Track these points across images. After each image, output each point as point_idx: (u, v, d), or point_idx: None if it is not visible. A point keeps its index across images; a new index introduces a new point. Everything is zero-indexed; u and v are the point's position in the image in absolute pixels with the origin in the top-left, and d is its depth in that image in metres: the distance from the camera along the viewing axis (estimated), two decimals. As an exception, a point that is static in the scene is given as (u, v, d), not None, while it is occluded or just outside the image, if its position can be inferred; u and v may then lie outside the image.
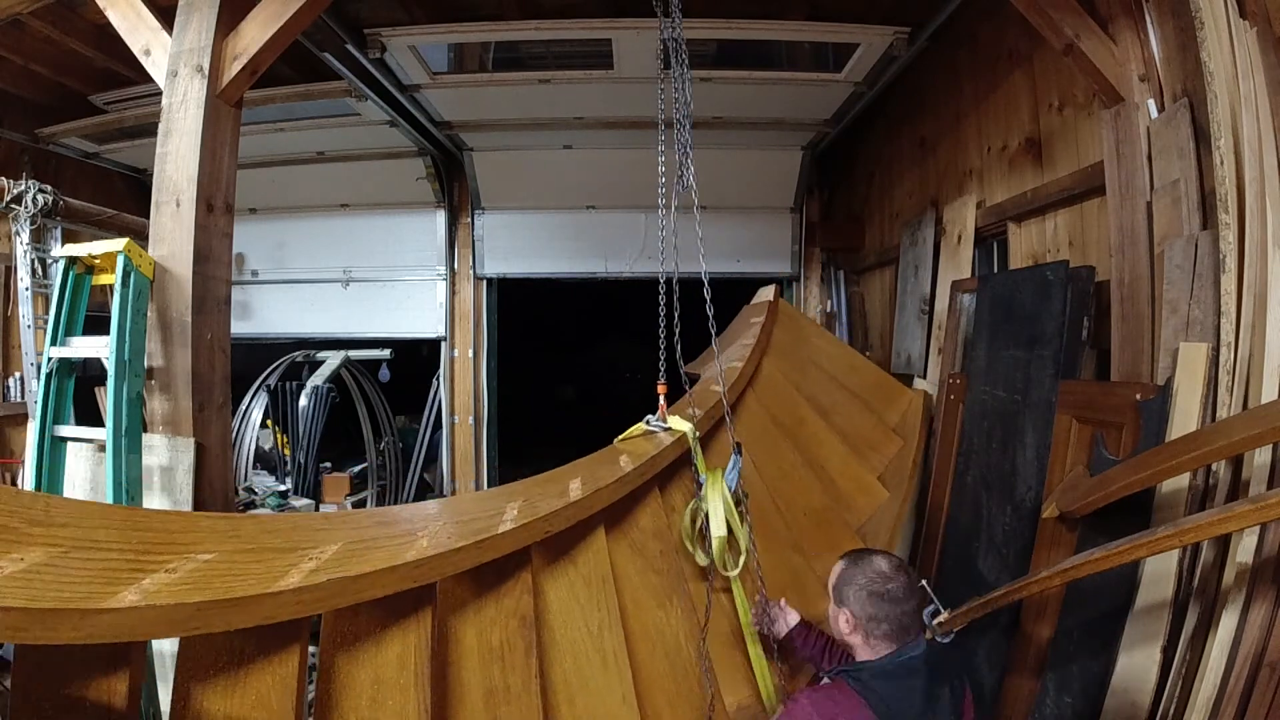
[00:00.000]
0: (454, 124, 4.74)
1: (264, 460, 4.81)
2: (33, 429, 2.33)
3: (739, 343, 3.02)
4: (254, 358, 5.06)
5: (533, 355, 12.00)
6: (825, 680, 1.63)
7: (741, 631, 1.96)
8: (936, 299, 3.91)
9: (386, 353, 5.63)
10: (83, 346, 2.30)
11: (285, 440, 4.62)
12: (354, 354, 5.41)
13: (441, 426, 5.87)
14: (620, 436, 2.23)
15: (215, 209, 2.43)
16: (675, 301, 2.08)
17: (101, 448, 2.22)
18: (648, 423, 2.17)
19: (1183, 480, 1.92)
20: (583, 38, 3.58)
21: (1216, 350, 1.95)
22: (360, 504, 5.48)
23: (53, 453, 2.31)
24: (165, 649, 2.21)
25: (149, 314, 2.29)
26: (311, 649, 1.17)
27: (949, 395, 3.27)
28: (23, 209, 3.83)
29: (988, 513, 2.82)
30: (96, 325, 2.33)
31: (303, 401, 4.57)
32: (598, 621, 1.62)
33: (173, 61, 2.42)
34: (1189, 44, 2.14)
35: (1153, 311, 2.29)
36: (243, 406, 4.73)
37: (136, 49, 2.52)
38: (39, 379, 2.73)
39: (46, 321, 2.39)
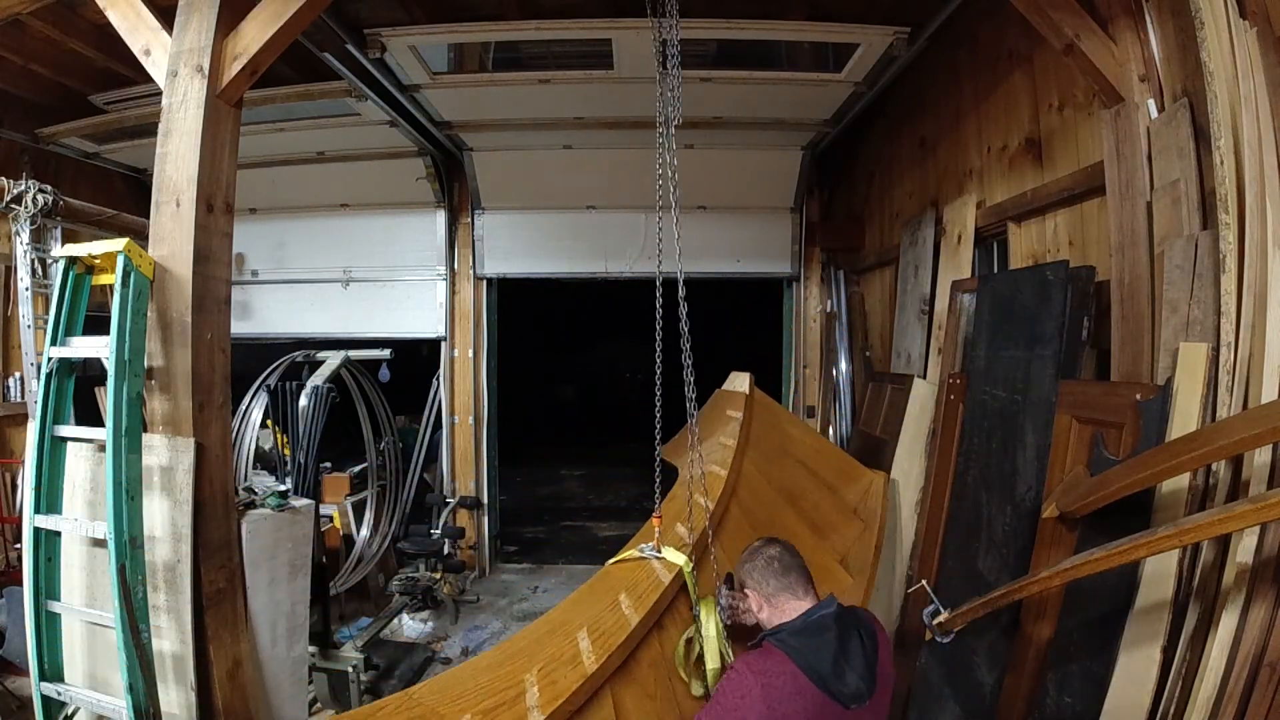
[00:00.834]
0: (454, 124, 4.74)
1: (264, 460, 4.81)
2: (33, 429, 2.33)
3: (717, 440, 3.02)
4: (254, 358, 5.06)
5: (533, 355, 12.01)
6: (750, 645, 1.82)
7: None
8: (936, 299, 3.91)
9: (386, 353, 5.62)
10: (83, 346, 2.30)
11: (285, 440, 4.62)
12: (354, 354, 5.40)
13: (441, 426, 5.87)
14: (613, 559, 2.27)
15: (215, 209, 2.43)
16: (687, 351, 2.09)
17: (101, 448, 2.22)
18: (642, 551, 2.22)
19: (1183, 480, 1.92)
20: (583, 38, 3.58)
21: (1216, 350, 1.95)
22: (360, 504, 5.49)
23: (53, 453, 2.30)
24: (165, 648, 2.21)
25: (149, 314, 2.29)
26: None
27: (949, 395, 3.27)
28: (23, 209, 3.83)
29: (988, 513, 2.82)
30: (96, 325, 2.33)
31: (303, 401, 4.55)
32: None
33: (173, 61, 2.42)
34: (1189, 44, 2.14)
35: (1153, 311, 2.29)
36: (243, 406, 4.72)
37: (136, 49, 2.51)
38: (39, 379, 2.73)
39: (46, 321, 2.38)
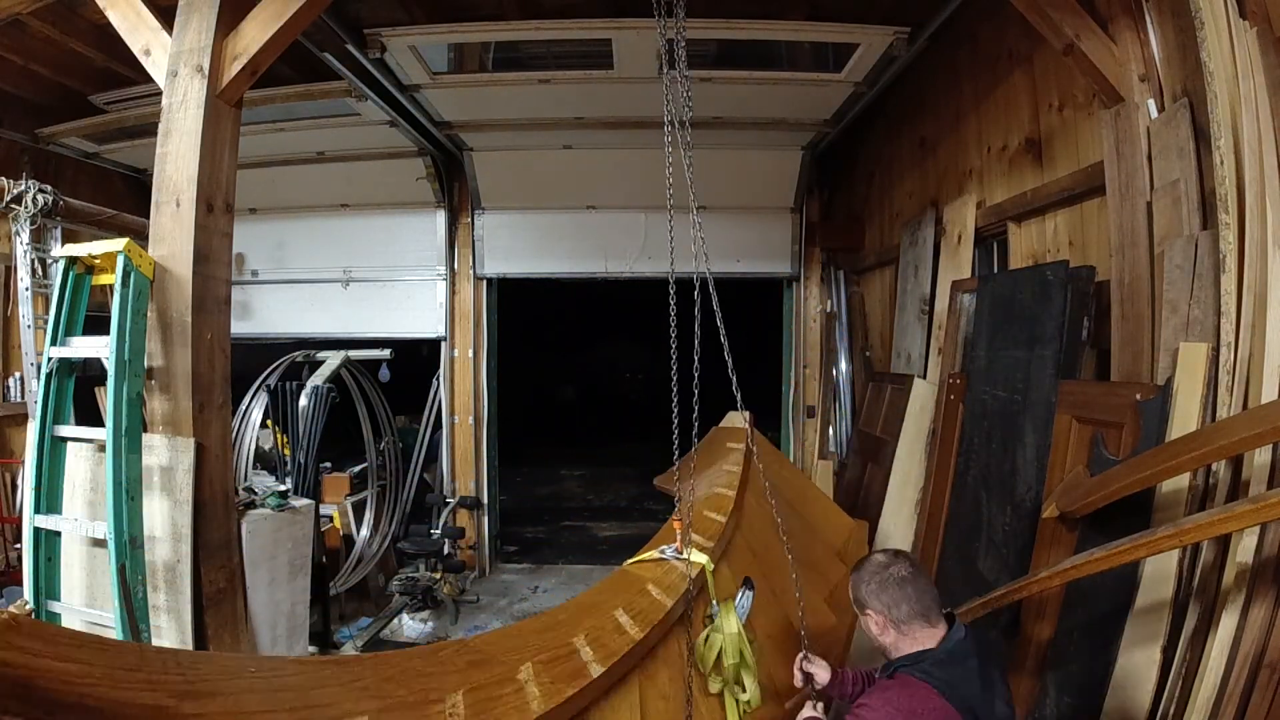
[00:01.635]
0: (454, 124, 4.74)
1: (264, 460, 4.81)
2: (33, 429, 2.33)
3: (720, 468, 3.09)
4: (254, 358, 5.06)
5: (533, 355, 12.01)
6: (881, 679, 1.69)
7: None
8: (936, 299, 3.91)
9: (386, 353, 5.63)
10: (83, 346, 2.30)
11: (285, 440, 4.62)
12: (354, 354, 5.40)
13: (441, 426, 5.87)
14: (632, 560, 2.30)
15: (215, 209, 2.43)
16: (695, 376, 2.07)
17: (101, 448, 2.23)
18: (662, 552, 2.26)
19: (1183, 480, 1.92)
20: (583, 38, 3.58)
21: (1216, 350, 1.95)
22: (360, 504, 5.49)
23: (53, 453, 2.31)
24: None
25: (149, 314, 2.29)
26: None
27: (949, 395, 3.27)
28: (23, 209, 3.84)
29: (988, 513, 2.82)
30: (96, 325, 2.33)
31: (303, 401, 4.56)
32: None
33: (173, 61, 2.42)
34: (1189, 44, 2.14)
35: (1153, 311, 2.29)
36: (243, 406, 4.72)
37: (136, 49, 2.52)
38: (39, 379, 2.73)
39: (46, 321, 2.39)
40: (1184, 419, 1.98)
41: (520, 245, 5.81)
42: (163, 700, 0.97)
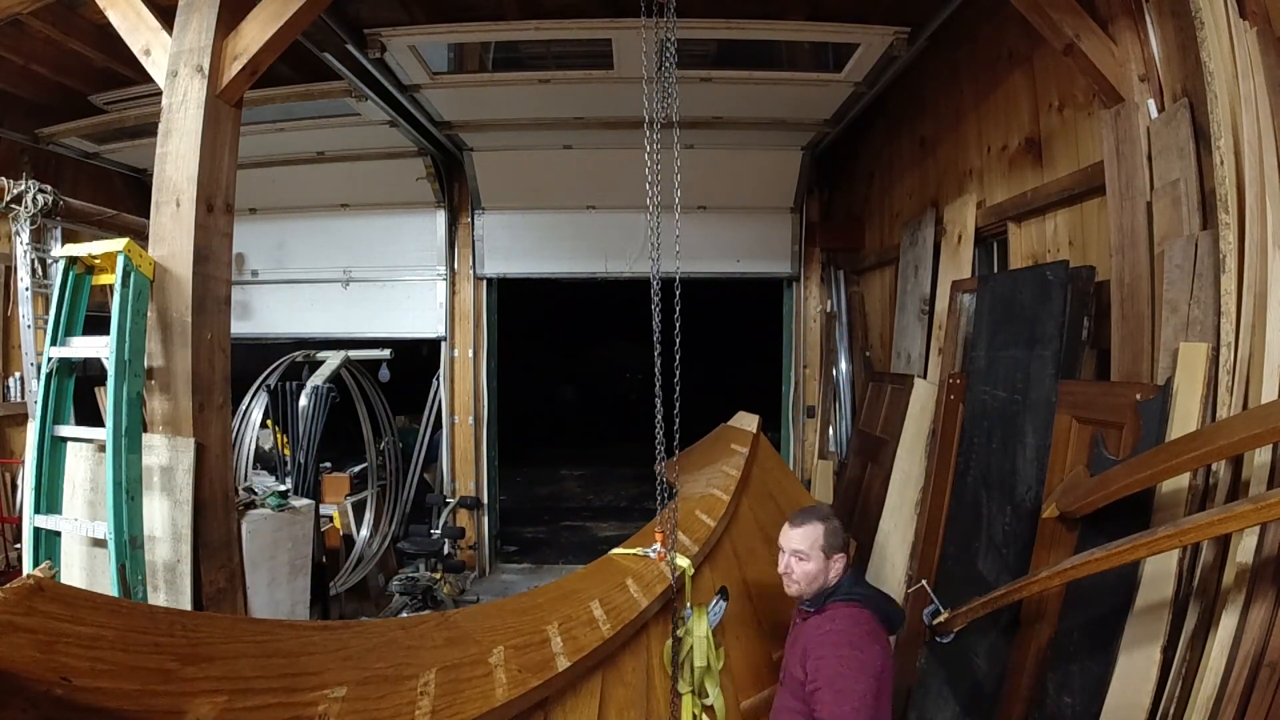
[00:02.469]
0: (454, 124, 4.74)
1: (264, 460, 4.82)
2: (33, 429, 2.33)
3: (720, 468, 3.12)
4: (254, 358, 5.06)
5: (533, 355, 12.01)
6: (830, 607, 1.99)
7: None
8: (936, 299, 3.91)
9: (386, 353, 5.63)
10: (83, 346, 2.30)
11: (285, 440, 4.62)
12: (354, 354, 5.41)
13: (441, 426, 5.87)
14: (615, 550, 2.38)
15: (215, 209, 2.43)
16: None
17: (101, 448, 2.23)
18: (648, 552, 2.32)
19: (1183, 480, 1.92)
20: (583, 38, 3.58)
21: (1216, 350, 1.95)
22: (360, 504, 5.49)
23: (53, 453, 2.31)
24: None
25: (149, 314, 2.29)
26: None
27: (949, 395, 3.27)
28: (23, 209, 3.84)
29: (988, 513, 2.82)
30: (96, 325, 2.33)
31: (303, 401, 4.56)
32: None
33: (173, 61, 2.42)
34: (1189, 44, 2.13)
35: (1153, 311, 2.29)
36: (243, 406, 4.72)
37: (136, 49, 2.52)
38: (39, 379, 2.73)
39: (46, 321, 2.39)
40: (1184, 419, 1.98)
41: (520, 245, 5.81)
42: (167, 664, 1.04)
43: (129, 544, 2.10)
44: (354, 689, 1.26)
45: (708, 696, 2.10)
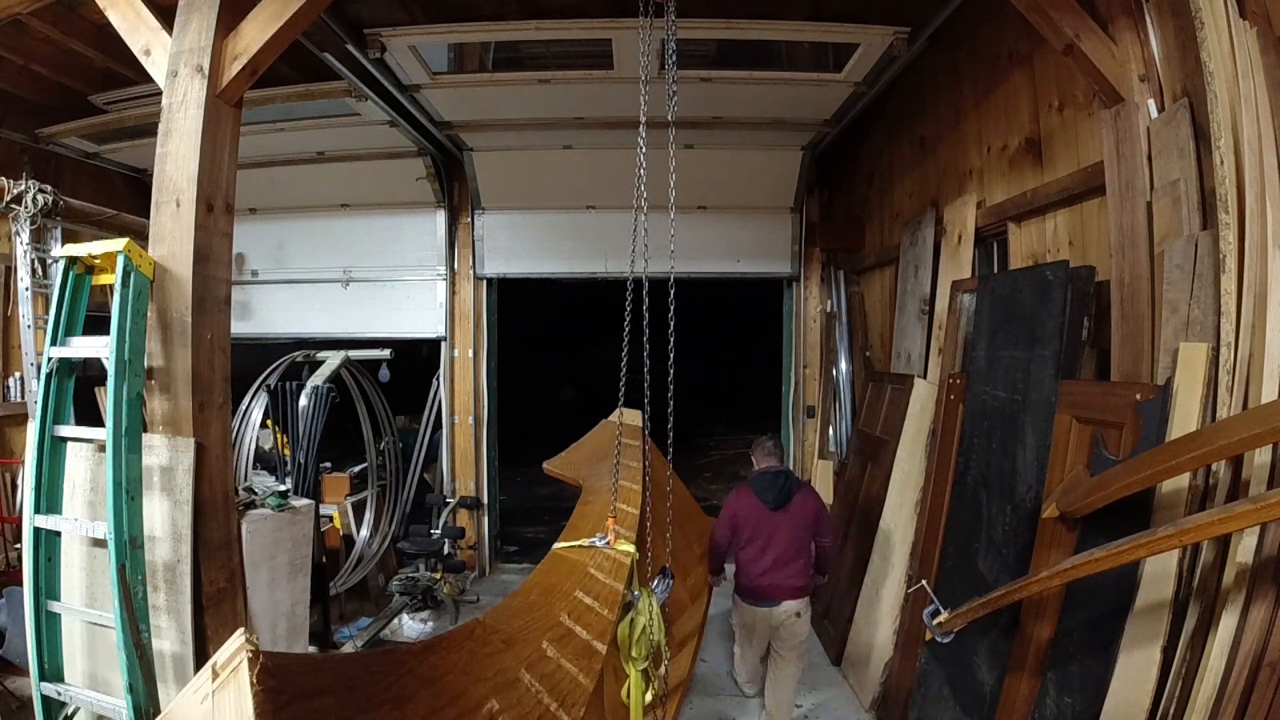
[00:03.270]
0: (454, 124, 4.74)
1: (264, 460, 4.82)
2: (33, 429, 2.33)
3: (623, 463, 3.27)
4: (254, 358, 5.06)
5: (533, 355, 12.00)
6: (800, 491, 3.22)
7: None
8: (936, 299, 3.91)
9: (386, 353, 5.63)
10: (83, 346, 2.30)
11: (285, 440, 4.62)
12: (354, 354, 5.41)
13: (441, 426, 5.87)
14: (561, 545, 2.60)
15: (215, 209, 2.43)
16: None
17: (101, 448, 2.22)
18: (594, 542, 2.55)
19: (1183, 480, 1.92)
20: (583, 38, 3.58)
21: (1216, 350, 1.95)
22: (360, 504, 5.49)
23: (53, 453, 2.30)
24: (165, 648, 2.21)
25: (149, 314, 2.29)
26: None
27: (949, 395, 3.27)
28: (23, 209, 3.84)
29: (988, 513, 2.82)
30: (96, 325, 2.33)
31: (303, 401, 4.56)
32: None
33: (173, 61, 2.42)
34: (1189, 44, 2.13)
35: (1153, 311, 2.29)
36: (243, 406, 4.72)
37: (136, 49, 2.51)
38: (39, 379, 2.73)
39: (46, 321, 2.39)
40: (1184, 419, 1.98)
41: (520, 245, 5.81)
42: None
43: (129, 544, 2.10)
44: (499, 699, 1.45)
45: (660, 668, 2.33)
